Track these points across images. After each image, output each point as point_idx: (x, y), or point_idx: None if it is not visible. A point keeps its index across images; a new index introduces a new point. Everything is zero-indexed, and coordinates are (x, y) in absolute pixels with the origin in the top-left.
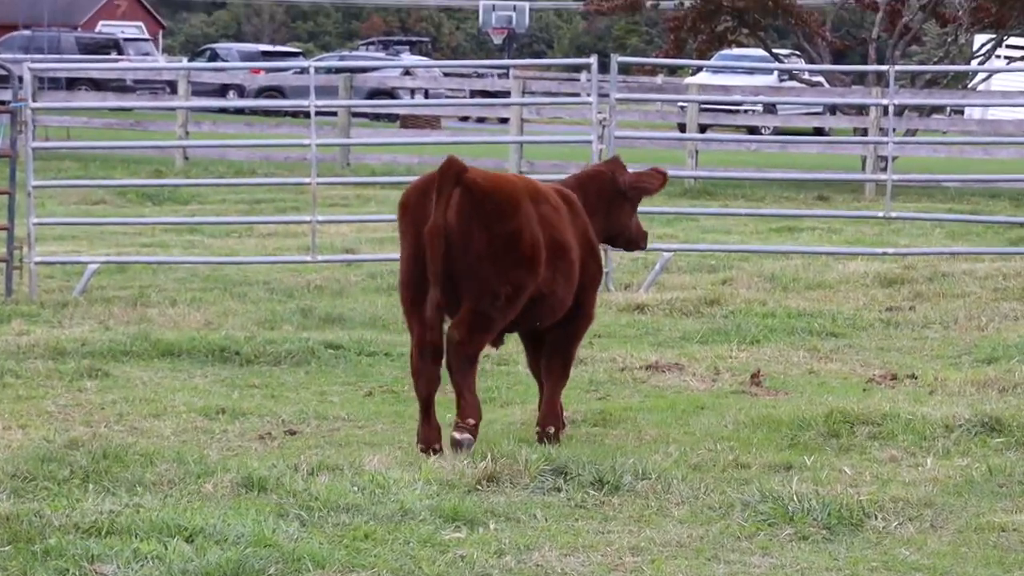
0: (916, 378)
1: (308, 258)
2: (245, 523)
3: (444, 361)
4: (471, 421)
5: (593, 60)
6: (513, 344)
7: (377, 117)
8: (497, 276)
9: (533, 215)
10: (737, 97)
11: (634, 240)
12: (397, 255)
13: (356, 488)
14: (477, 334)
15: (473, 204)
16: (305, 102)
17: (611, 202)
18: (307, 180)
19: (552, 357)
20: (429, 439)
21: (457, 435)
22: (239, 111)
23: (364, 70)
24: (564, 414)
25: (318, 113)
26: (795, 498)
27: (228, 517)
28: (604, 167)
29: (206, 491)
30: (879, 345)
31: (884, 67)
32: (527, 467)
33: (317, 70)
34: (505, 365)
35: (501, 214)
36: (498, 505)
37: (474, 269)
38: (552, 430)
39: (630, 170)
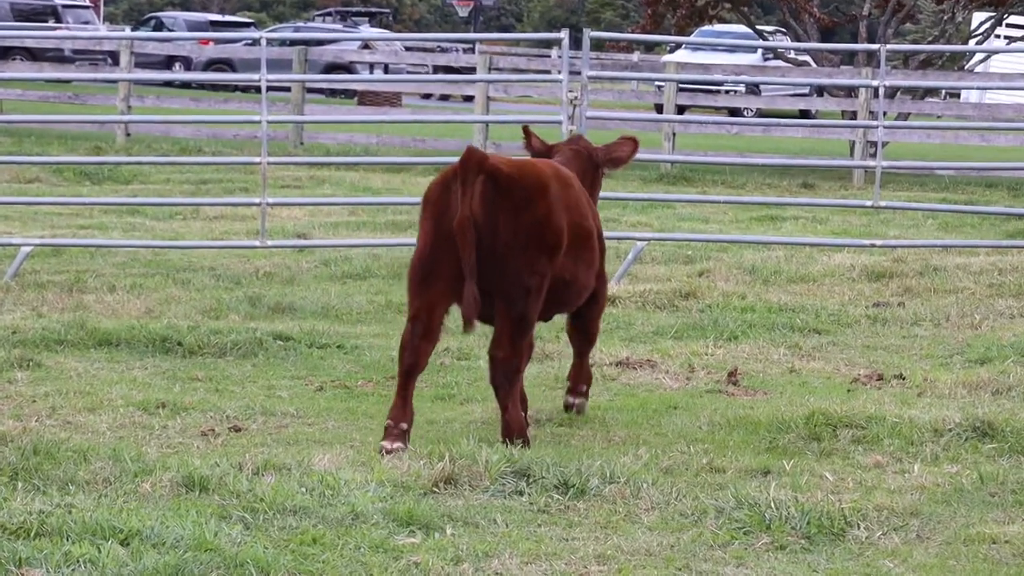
0: (904, 379)
1: (257, 243)
2: (185, 525)
3: (488, 379)
4: (518, 440)
5: (564, 35)
6: (473, 339)
7: (333, 93)
8: (527, 267)
9: (559, 200)
10: (718, 77)
11: None
12: (351, 240)
13: (304, 489)
14: (519, 342)
15: (498, 192)
16: (256, 76)
17: (592, 180)
18: (257, 159)
19: (578, 335)
20: (398, 417)
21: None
22: (185, 85)
23: (320, 42)
24: (527, 418)
25: (270, 88)
26: (772, 505)
27: (167, 519)
28: (576, 145)
29: (143, 491)
30: (865, 343)
31: (875, 46)
32: (487, 469)
33: (269, 42)
34: (466, 360)
35: (528, 201)
36: (456, 509)
37: (504, 261)
38: (584, 388)
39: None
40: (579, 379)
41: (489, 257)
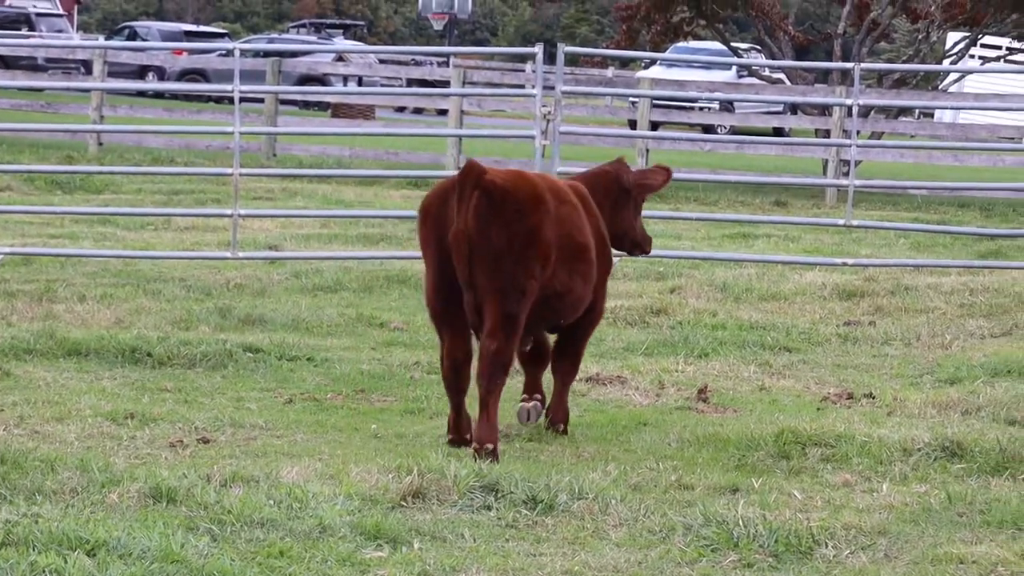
0: (874, 398)
1: (228, 254)
2: (151, 537)
3: (476, 374)
4: (489, 446)
5: (539, 50)
6: None
7: (307, 105)
8: (521, 271)
9: (553, 213)
10: (692, 93)
11: (638, 243)
12: (322, 253)
13: (272, 502)
14: (511, 337)
15: (491, 205)
16: (229, 87)
17: (617, 201)
18: (229, 171)
19: (562, 353)
20: (461, 429)
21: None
22: (158, 95)
23: (294, 54)
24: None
25: (243, 99)
26: (740, 523)
27: (133, 530)
28: (609, 167)
29: (111, 501)
30: (835, 362)
31: (849, 64)
32: (455, 483)
33: (243, 53)
34: (435, 374)
35: (520, 212)
36: (423, 523)
37: (496, 269)
38: (562, 427)
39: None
40: (558, 415)
41: (484, 264)
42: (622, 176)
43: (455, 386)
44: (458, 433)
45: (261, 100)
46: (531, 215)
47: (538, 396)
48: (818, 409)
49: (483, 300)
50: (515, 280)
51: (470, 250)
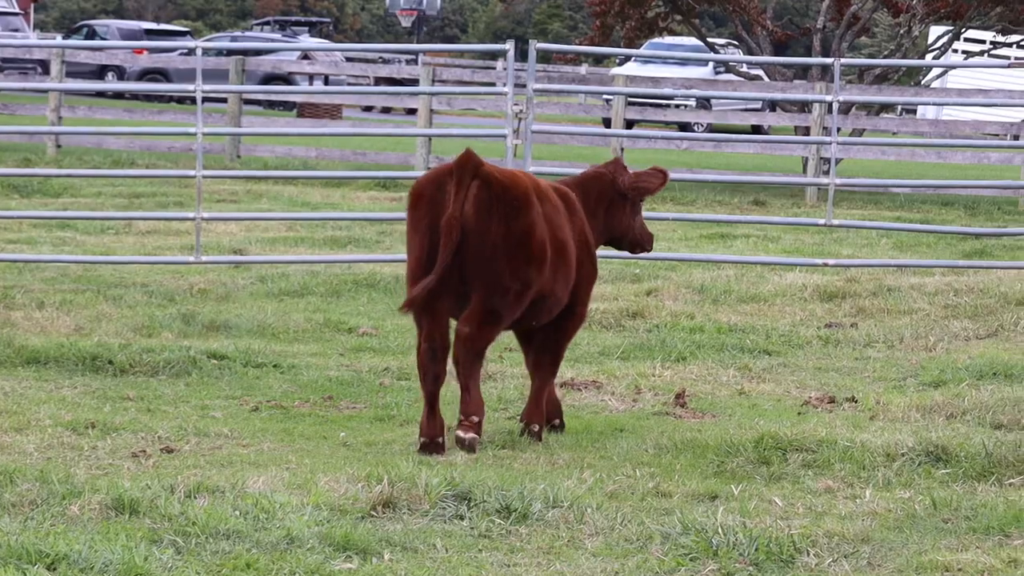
0: (856, 402)
1: (191, 259)
2: (114, 549)
3: (451, 356)
4: (475, 419)
5: (510, 46)
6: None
7: (271, 105)
8: (510, 272)
9: (541, 213)
10: (668, 90)
11: (639, 242)
12: (288, 257)
13: (238, 512)
14: (487, 328)
15: (492, 198)
16: (192, 87)
17: (612, 203)
18: (192, 173)
19: (541, 355)
20: (432, 433)
21: (462, 433)
22: (118, 95)
23: (258, 53)
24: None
25: (206, 99)
26: (720, 531)
27: (95, 543)
28: (604, 168)
29: (72, 514)
30: (817, 365)
31: (829, 60)
32: (427, 492)
33: (206, 52)
34: (406, 380)
35: (517, 210)
36: (394, 533)
37: (488, 263)
38: (536, 427)
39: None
40: (533, 415)
41: (477, 255)
42: (617, 178)
43: (431, 372)
44: (431, 436)
45: (224, 100)
46: (526, 213)
47: (474, 418)
48: (799, 413)
49: (470, 288)
50: (502, 278)
51: (462, 238)
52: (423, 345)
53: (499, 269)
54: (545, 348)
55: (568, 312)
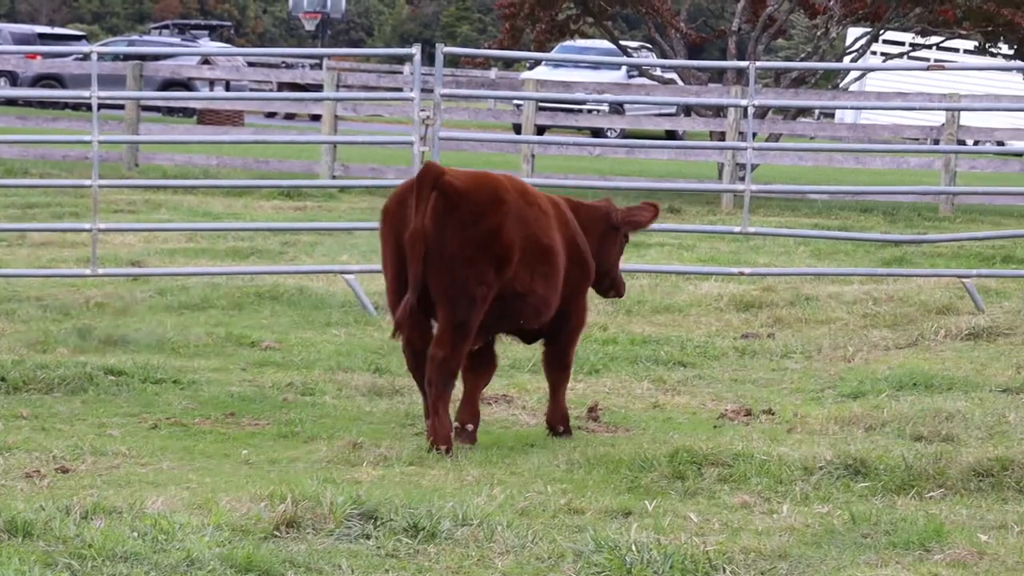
0: (773, 414)
1: (88, 271)
2: (7, 574)
3: (426, 376)
4: (442, 448)
5: (416, 50)
6: (319, 374)
7: (170, 111)
8: (473, 277)
9: (514, 214)
10: (579, 95)
11: (615, 284)
12: (188, 269)
13: (136, 534)
14: (459, 347)
15: (448, 207)
16: (87, 93)
17: (603, 237)
18: (88, 182)
19: (551, 365)
20: (442, 434)
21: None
22: (10, 101)
23: (156, 57)
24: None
25: (102, 106)
26: (634, 548)
27: None
28: (598, 203)
29: None
30: (733, 376)
31: (745, 63)
32: (332, 511)
33: (102, 56)
34: (310, 396)
35: (476, 214)
36: (298, 554)
37: (449, 272)
38: (561, 428)
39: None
40: (555, 417)
41: (438, 266)
42: (611, 213)
43: (421, 374)
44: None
45: (121, 107)
46: (489, 217)
47: (470, 426)
48: (715, 427)
49: (436, 305)
50: (466, 286)
51: (425, 251)
52: (406, 351)
53: (461, 276)
54: (553, 357)
55: (564, 320)
